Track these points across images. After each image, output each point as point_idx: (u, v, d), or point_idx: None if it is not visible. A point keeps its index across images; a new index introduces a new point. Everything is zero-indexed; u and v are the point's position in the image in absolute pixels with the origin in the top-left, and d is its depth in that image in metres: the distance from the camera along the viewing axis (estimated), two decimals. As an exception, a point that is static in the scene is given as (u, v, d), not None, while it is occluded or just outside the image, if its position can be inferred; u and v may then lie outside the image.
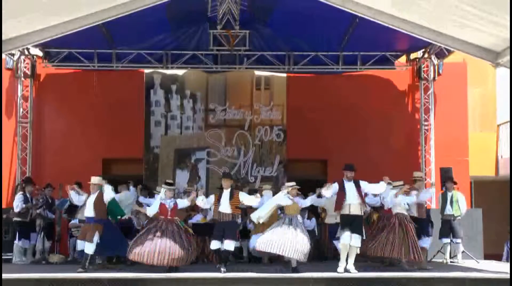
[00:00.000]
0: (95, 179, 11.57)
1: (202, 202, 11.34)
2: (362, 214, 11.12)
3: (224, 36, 13.98)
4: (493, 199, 17.51)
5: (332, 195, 11.08)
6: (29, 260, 13.32)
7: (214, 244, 11.06)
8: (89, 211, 11.43)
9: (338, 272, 10.65)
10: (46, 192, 13.81)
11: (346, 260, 10.89)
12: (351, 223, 10.89)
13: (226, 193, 11.22)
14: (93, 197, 11.49)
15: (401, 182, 11.81)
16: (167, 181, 11.98)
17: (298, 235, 10.92)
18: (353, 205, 10.93)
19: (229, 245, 11.03)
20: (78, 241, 11.81)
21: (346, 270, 10.77)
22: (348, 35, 14.70)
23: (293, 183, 11.40)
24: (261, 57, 15.75)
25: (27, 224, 13.21)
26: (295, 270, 10.81)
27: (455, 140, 16.30)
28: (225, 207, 11.11)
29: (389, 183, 11.42)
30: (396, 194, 11.61)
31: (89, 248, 11.16)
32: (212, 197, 11.40)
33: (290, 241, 10.81)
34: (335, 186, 11.00)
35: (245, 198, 11.35)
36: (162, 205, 11.26)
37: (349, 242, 10.83)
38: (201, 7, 13.70)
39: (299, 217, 11.26)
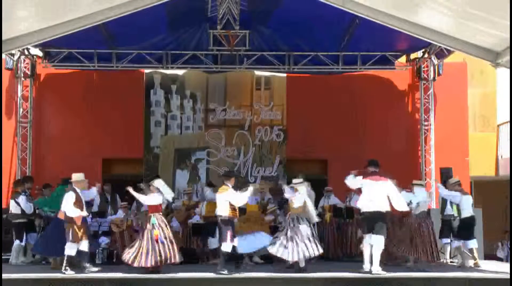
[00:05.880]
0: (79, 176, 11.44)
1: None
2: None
3: (224, 36, 13.96)
4: (493, 199, 17.51)
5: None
6: (29, 260, 13.32)
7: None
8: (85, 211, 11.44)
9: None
10: (45, 193, 13.79)
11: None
12: None
13: None
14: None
15: None
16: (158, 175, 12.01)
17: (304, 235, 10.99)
18: None
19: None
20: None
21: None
22: (348, 35, 14.71)
23: (301, 180, 11.38)
24: (261, 57, 15.74)
25: None
26: (302, 270, 10.86)
27: (455, 140, 16.29)
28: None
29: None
30: None
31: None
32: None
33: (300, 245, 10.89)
34: None
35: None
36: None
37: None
38: (201, 7, 13.70)
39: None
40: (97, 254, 12.99)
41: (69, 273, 10.59)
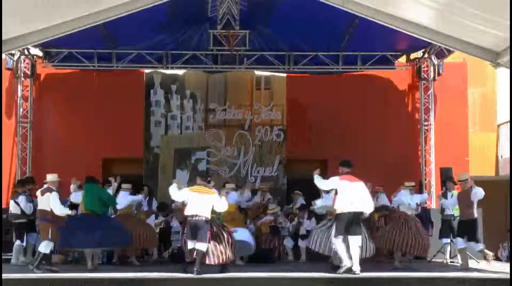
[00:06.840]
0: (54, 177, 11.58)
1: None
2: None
3: (224, 36, 13.97)
4: (493, 199, 17.48)
5: None
6: (29, 260, 13.31)
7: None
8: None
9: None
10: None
11: None
12: None
13: None
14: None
15: None
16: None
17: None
18: None
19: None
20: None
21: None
22: (348, 35, 14.71)
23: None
24: (261, 57, 15.74)
25: None
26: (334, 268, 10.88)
27: (455, 140, 16.31)
28: None
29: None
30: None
31: None
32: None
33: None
34: None
35: None
36: None
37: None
38: (201, 7, 13.70)
39: None
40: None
41: (38, 272, 10.62)
